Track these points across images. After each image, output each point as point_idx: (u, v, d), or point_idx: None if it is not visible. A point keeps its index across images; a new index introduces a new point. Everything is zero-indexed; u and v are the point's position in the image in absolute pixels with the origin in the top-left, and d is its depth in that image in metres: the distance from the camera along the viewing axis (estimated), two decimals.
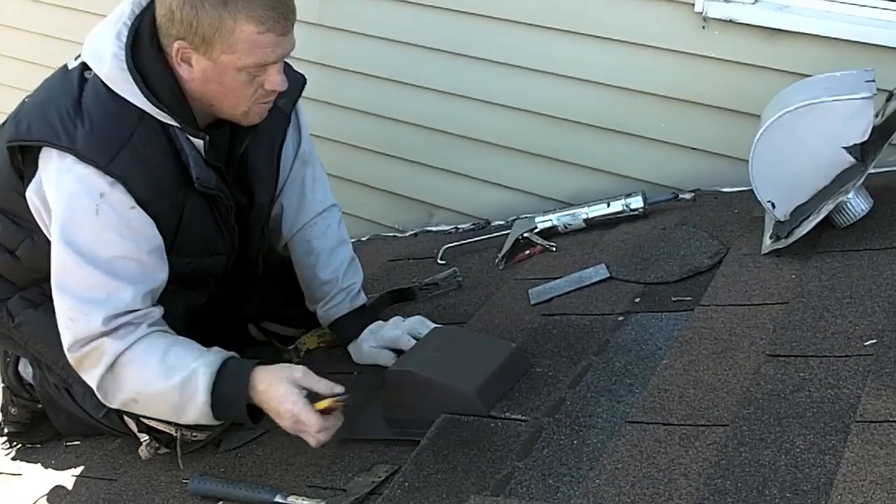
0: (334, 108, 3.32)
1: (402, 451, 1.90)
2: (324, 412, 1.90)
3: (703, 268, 2.24)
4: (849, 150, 2.08)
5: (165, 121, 1.96)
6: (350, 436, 2.02)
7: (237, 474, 2.04)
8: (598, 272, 2.37)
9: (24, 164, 1.99)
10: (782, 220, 2.17)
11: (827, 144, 2.09)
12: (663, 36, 2.67)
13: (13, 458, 2.44)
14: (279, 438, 2.02)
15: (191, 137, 1.98)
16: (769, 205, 2.18)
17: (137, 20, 1.96)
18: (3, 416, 2.49)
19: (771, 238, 2.18)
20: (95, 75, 1.95)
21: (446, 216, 3.26)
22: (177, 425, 2.08)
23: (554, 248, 2.62)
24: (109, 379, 1.97)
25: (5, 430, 2.49)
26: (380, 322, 2.31)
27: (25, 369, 2.41)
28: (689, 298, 2.14)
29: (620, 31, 2.72)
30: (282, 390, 1.90)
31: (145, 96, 1.93)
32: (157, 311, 2.00)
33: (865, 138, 2.07)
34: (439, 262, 2.80)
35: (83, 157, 1.90)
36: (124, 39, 1.94)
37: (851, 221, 2.14)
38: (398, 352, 2.22)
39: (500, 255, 2.66)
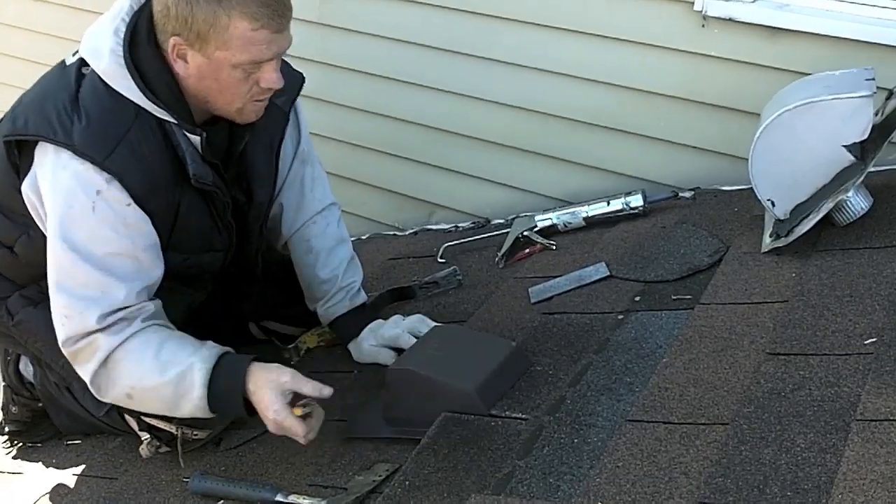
0: (334, 106, 3.32)
1: (403, 449, 1.91)
2: (303, 416, 1.92)
3: (703, 266, 2.24)
4: (848, 148, 2.08)
5: (162, 117, 1.96)
6: (350, 435, 2.03)
7: (238, 473, 2.04)
8: (599, 271, 2.37)
9: (21, 158, 1.99)
10: (782, 218, 2.17)
11: (827, 143, 2.09)
12: (663, 35, 2.67)
13: (14, 457, 2.44)
14: (280, 437, 2.02)
15: (187, 134, 1.99)
16: (769, 203, 2.18)
17: (135, 17, 1.96)
18: (3, 414, 2.49)
19: (771, 236, 2.18)
20: (93, 71, 1.95)
21: (446, 215, 3.26)
22: (178, 424, 2.09)
23: (554, 247, 2.62)
24: (102, 374, 1.97)
25: (6, 429, 2.49)
26: (380, 321, 2.31)
27: (26, 368, 2.41)
28: (689, 297, 2.14)
29: (620, 30, 2.72)
30: (267, 397, 1.91)
31: (142, 92, 1.93)
32: (152, 306, 2.00)
33: (865, 137, 2.07)
34: (439, 260, 2.80)
35: (79, 153, 1.90)
36: (122, 35, 1.94)
37: (851, 220, 2.14)
38: (398, 350, 2.22)
39: (500, 254, 2.66)
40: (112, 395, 2.01)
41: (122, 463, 2.22)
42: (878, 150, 2.06)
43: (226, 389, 1.95)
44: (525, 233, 2.69)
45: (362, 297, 2.36)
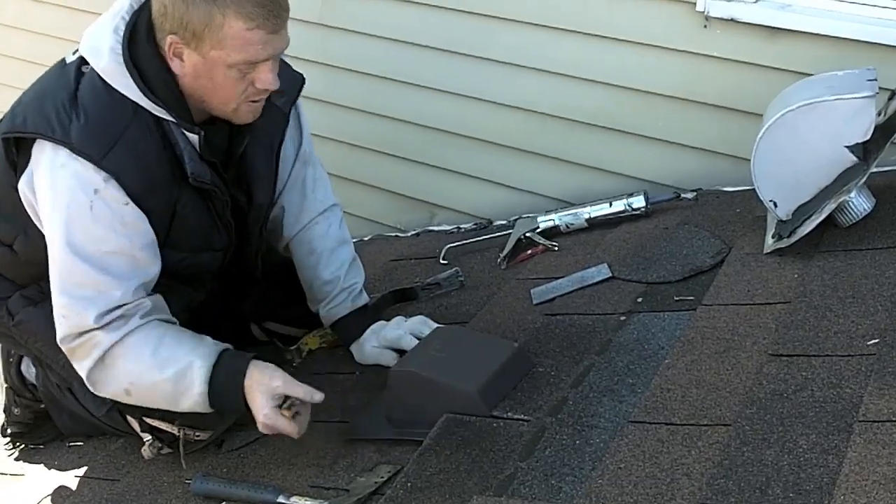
0: (336, 107, 3.32)
1: (405, 451, 1.91)
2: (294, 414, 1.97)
3: (706, 267, 2.24)
4: (851, 149, 2.08)
5: (160, 115, 1.96)
6: (352, 436, 2.03)
7: (240, 475, 2.04)
8: (601, 272, 2.37)
9: (19, 156, 1.99)
10: (784, 219, 2.17)
11: (829, 143, 2.08)
12: (665, 35, 2.66)
13: (16, 459, 2.44)
14: (282, 439, 2.02)
15: (186, 132, 1.99)
16: (771, 204, 2.18)
17: (135, 15, 1.96)
18: (6, 416, 2.49)
19: (773, 237, 2.18)
20: (92, 69, 1.96)
21: (448, 216, 3.26)
22: (180, 425, 2.10)
23: (556, 248, 2.62)
24: (100, 370, 1.99)
25: (8, 431, 2.49)
26: (382, 322, 2.31)
27: (28, 369, 2.41)
28: (691, 298, 2.14)
29: (622, 31, 2.72)
30: (258, 400, 1.95)
31: (141, 91, 1.93)
32: (149, 302, 2.00)
33: (867, 137, 2.07)
34: (441, 261, 2.79)
35: (77, 151, 1.90)
36: (122, 34, 1.94)
37: (854, 221, 2.14)
38: (400, 352, 2.22)
39: (502, 255, 2.66)
40: (110, 390, 2.02)
41: (125, 465, 2.22)
42: (881, 151, 2.06)
43: (226, 388, 1.97)
44: (527, 234, 2.69)
45: (364, 299, 2.36)
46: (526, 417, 1.86)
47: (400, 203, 3.37)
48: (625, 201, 2.64)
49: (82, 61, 1.98)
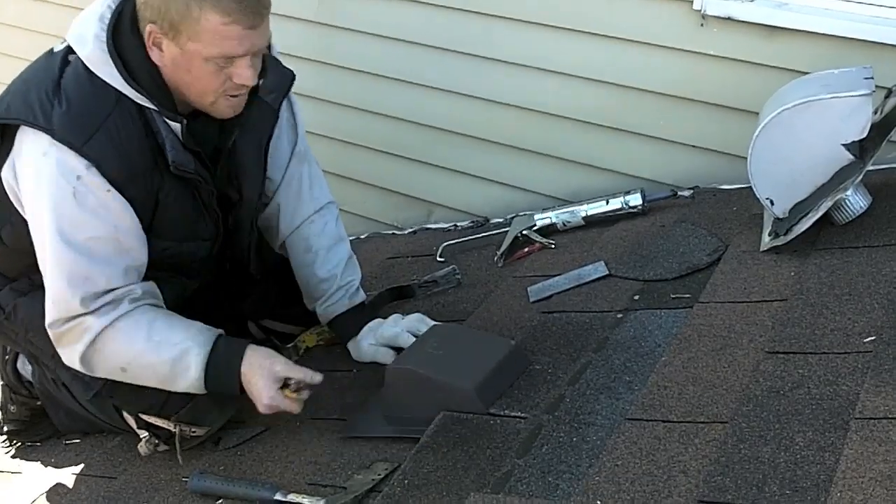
0: (332, 105, 3.32)
1: (402, 448, 1.91)
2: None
3: (702, 265, 2.24)
4: (847, 147, 2.08)
5: (143, 103, 1.96)
6: (350, 433, 2.03)
7: (237, 472, 2.04)
8: (598, 269, 2.37)
9: (2, 143, 2.00)
10: (781, 217, 2.17)
11: (826, 141, 2.09)
12: (662, 33, 2.67)
13: (13, 457, 2.44)
14: (279, 436, 2.02)
15: (168, 121, 1.98)
16: (768, 202, 2.18)
17: (121, 4, 1.97)
18: (2, 413, 2.49)
19: (770, 235, 2.18)
20: (77, 58, 1.96)
21: (445, 214, 3.26)
22: (176, 422, 2.11)
23: (553, 246, 2.62)
24: (92, 353, 2.00)
25: (5, 429, 2.49)
26: (379, 319, 2.31)
27: (24, 366, 2.41)
28: (688, 295, 2.14)
29: (619, 29, 2.72)
30: (261, 383, 2.00)
31: (124, 79, 1.94)
32: (139, 288, 2.02)
33: (864, 135, 2.07)
34: (438, 259, 2.80)
35: (58, 138, 1.90)
36: (107, 22, 1.95)
37: (850, 218, 2.14)
38: (397, 349, 2.22)
39: (499, 253, 2.66)
40: (104, 369, 2.05)
41: (121, 462, 2.22)
42: (877, 149, 2.06)
43: (223, 372, 2.01)
44: (524, 232, 2.69)
45: (361, 296, 2.36)
46: (523, 415, 1.86)
47: (397, 201, 3.37)
48: (622, 199, 2.64)
49: (69, 50, 1.99)
